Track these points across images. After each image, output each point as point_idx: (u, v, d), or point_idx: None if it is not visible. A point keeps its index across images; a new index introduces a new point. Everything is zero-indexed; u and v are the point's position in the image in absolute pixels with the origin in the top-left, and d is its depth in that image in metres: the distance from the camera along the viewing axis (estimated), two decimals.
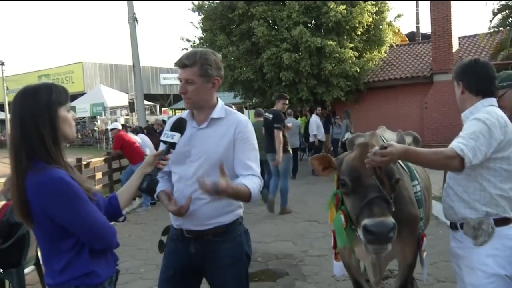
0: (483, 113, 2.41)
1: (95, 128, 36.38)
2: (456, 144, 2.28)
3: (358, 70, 16.90)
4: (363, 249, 2.54)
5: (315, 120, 14.46)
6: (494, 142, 2.34)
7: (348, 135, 13.65)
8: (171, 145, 2.43)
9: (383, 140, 3.18)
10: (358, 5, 16.55)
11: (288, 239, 6.92)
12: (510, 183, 2.42)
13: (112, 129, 10.80)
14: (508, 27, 14.94)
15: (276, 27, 17.20)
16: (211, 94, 2.64)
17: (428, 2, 17.21)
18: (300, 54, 16.39)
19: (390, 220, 2.26)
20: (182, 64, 2.55)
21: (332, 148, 15.31)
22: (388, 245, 2.30)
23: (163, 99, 44.58)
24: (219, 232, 2.59)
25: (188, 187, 2.56)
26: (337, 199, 2.69)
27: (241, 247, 2.67)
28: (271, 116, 8.69)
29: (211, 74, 2.55)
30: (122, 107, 32.31)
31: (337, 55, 16.29)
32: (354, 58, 16.83)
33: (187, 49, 19.26)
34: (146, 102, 22.85)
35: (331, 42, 16.13)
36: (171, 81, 40.70)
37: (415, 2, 27.82)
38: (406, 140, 4.14)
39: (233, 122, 2.62)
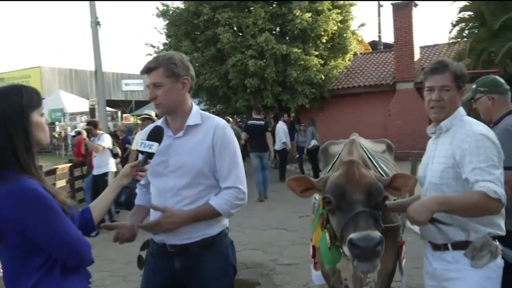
0: (475, 124, 2.34)
1: (55, 135, 35.41)
2: (485, 186, 2.11)
3: (323, 78, 17.01)
4: (347, 262, 2.44)
5: (282, 127, 14.42)
6: (502, 158, 2.28)
7: (314, 142, 13.69)
8: (149, 155, 2.30)
9: (363, 149, 3.12)
10: (324, 13, 16.70)
11: (258, 247, 6.82)
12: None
13: (74, 136, 10.45)
14: (465, 39, 15.37)
15: (241, 34, 17.15)
16: (183, 96, 2.51)
17: (391, 12, 17.55)
18: (265, 61, 16.38)
19: (377, 234, 2.15)
20: (147, 69, 2.45)
21: (297, 155, 15.31)
22: (376, 261, 2.18)
23: (124, 106, 43.84)
24: (206, 244, 2.47)
25: (169, 200, 2.43)
26: (323, 218, 2.59)
27: (228, 260, 2.56)
28: (263, 122, 11.26)
29: (178, 73, 2.43)
30: (82, 113, 31.52)
31: (302, 62, 16.37)
32: (319, 66, 16.95)
33: (151, 55, 19.01)
34: (107, 108, 22.37)
35: (296, 50, 16.20)
36: (133, 87, 40.03)
37: (377, 11, 28.29)
38: (379, 147, 4.13)
39: (210, 128, 2.50)
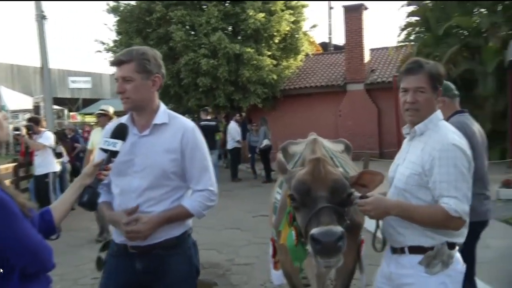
0: (449, 132, 2.27)
1: None
2: (448, 203, 2.11)
3: (275, 78, 17.09)
4: (311, 260, 2.43)
5: (234, 127, 14.39)
6: (472, 170, 2.26)
7: (266, 142, 13.74)
8: (113, 154, 2.20)
9: (324, 148, 3.13)
10: (277, 14, 16.79)
11: (213, 247, 6.74)
12: None
13: (19, 134, 9.99)
14: (412, 43, 15.89)
15: (194, 32, 16.98)
16: (152, 94, 2.44)
17: (342, 14, 17.87)
18: (218, 60, 16.26)
19: (339, 228, 2.13)
20: (118, 61, 2.36)
21: (249, 155, 15.32)
22: (339, 256, 2.16)
23: (71, 104, 42.48)
24: (169, 245, 2.41)
25: (133, 200, 2.36)
26: (290, 217, 2.57)
27: (191, 261, 2.50)
28: (214, 123, 12.73)
29: (150, 70, 2.37)
30: (25, 111, 30.23)
31: (255, 62, 16.37)
32: (272, 66, 17.01)
33: (100, 52, 18.52)
34: (53, 106, 21.58)
35: (249, 49, 16.20)
36: (80, 84, 38.89)
37: (327, 13, 28.74)
38: (338, 147, 4.16)
39: (179, 129, 2.44)
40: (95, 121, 9.48)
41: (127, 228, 2.27)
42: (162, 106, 2.50)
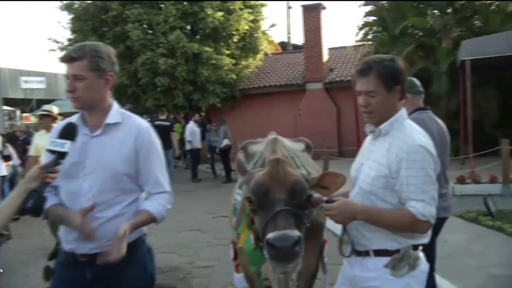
0: (415, 132, 2.20)
1: None
2: (416, 207, 2.07)
3: (234, 77, 17.02)
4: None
5: (190, 127, 14.24)
6: (438, 170, 2.21)
7: (226, 142, 13.64)
8: (61, 155, 2.06)
9: (285, 147, 3.07)
10: (235, 13, 16.71)
11: (172, 250, 6.61)
12: None
13: None
14: (370, 42, 16.16)
15: (152, 31, 16.67)
16: (105, 93, 2.31)
17: (300, 13, 17.98)
18: (176, 59, 16.05)
19: (295, 233, 2.05)
20: (69, 57, 2.21)
21: (209, 155, 15.19)
22: (296, 262, 2.08)
23: (24, 104, 41.11)
24: None
25: (83, 204, 2.20)
26: (249, 219, 2.48)
27: (145, 269, 2.38)
28: (168, 123, 12.76)
29: (103, 68, 2.24)
30: None
31: (214, 61, 16.24)
32: (231, 65, 16.92)
33: (54, 51, 17.96)
34: (4, 107, 20.81)
35: (208, 49, 16.05)
36: (33, 84, 37.63)
37: (286, 12, 28.89)
38: (298, 146, 4.11)
39: (133, 129, 2.32)
40: (38, 122, 9.09)
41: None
42: (115, 105, 2.37)
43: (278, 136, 3.26)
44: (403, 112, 2.28)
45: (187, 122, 15.95)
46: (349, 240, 2.32)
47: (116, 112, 2.34)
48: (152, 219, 2.31)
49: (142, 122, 2.40)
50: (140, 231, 2.38)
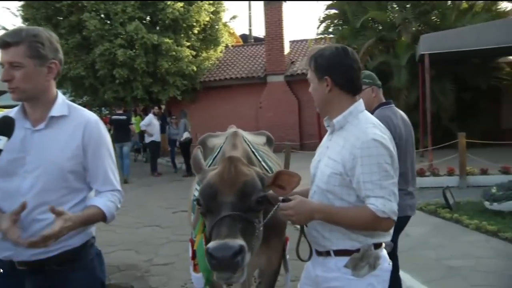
0: (370, 126, 2.09)
1: None
2: (375, 204, 1.98)
3: (195, 69, 16.80)
4: None
5: (149, 119, 13.97)
6: (396, 164, 2.11)
7: (186, 135, 13.44)
8: None
9: (246, 142, 2.95)
10: (196, 4, 16.47)
11: (130, 247, 6.40)
12: None
13: None
14: (331, 35, 16.24)
15: (109, 21, 16.21)
16: (48, 83, 2.09)
17: (261, 5, 17.88)
18: (135, 50, 15.70)
19: (236, 242, 1.90)
20: (3, 42, 1.98)
21: (169, 149, 14.95)
22: (239, 272, 1.95)
23: None
24: (66, 259, 2.08)
25: None
26: (204, 222, 2.35)
27: (94, 275, 2.19)
28: (125, 117, 12.45)
29: (44, 55, 2.02)
30: None
31: (174, 53, 15.98)
32: (191, 57, 16.68)
33: None
34: None
35: (168, 40, 15.77)
36: None
37: (247, 4, 28.75)
38: (259, 140, 4.00)
39: (80, 122, 2.12)
40: None
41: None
42: (60, 96, 2.16)
43: (239, 130, 3.13)
44: (358, 104, 2.17)
45: (146, 115, 15.65)
46: (307, 241, 2.23)
47: (62, 104, 2.13)
48: (101, 217, 2.12)
49: (91, 115, 2.20)
50: (88, 234, 2.19)
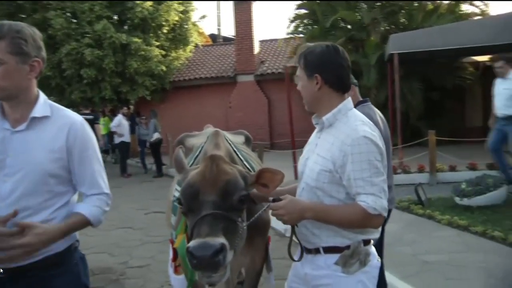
0: (359, 123, 2.10)
1: None
2: (366, 201, 1.98)
3: (164, 69, 16.62)
4: None
5: (118, 119, 13.77)
6: (385, 160, 2.12)
7: (156, 135, 13.30)
8: None
9: (227, 141, 2.93)
10: (165, 3, 16.30)
11: (103, 250, 6.28)
12: None
13: None
14: (301, 35, 16.31)
15: (76, 20, 15.85)
16: (30, 82, 2.01)
17: (231, 5, 17.86)
18: (103, 50, 15.40)
19: (217, 241, 1.88)
20: None
21: (139, 149, 14.76)
22: (221, 271, 1.93)
23: None
24: (50, 264, 2.01)
25: (3, 210, 1.91)
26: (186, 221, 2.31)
27: (79, 280, 2.13)
28: (92, 116, 12.72)
29: (27, 53, 1.94)
30: None
31: (143, 53, 15.77)
32: (160, 57, 16.50)
33: None
34: None
35: (136, 39, 15.55)
36: None
37: (216, 4, 28.66)
38: (238, 139, 3.98)
39: (64, 124, 2.05)
40: None
41: (10, 243, 1.83)
42: (42, 96, 2.08)
43: (209, 128, 3.10)
44: (347, 102, 2.18)
45: (114, 115, 15.40)
46: (298, 240, 2.22)
47: (44, 104, 2.05)
48: (85, 223, 2.07)
49: (75, 116, 2.13)
50: (72, 237, 2.13)
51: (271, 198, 2.10)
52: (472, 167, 8.50)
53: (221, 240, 1.90)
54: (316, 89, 2.15)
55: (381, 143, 2.09)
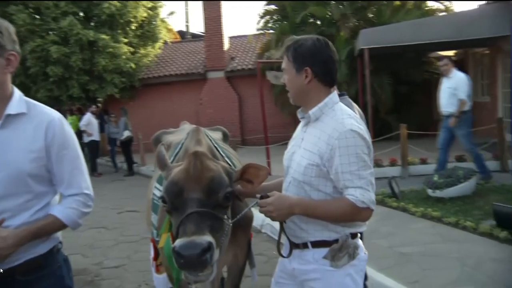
0: (346, 117, 2.08)
1: None
2: (354, 195, 1.97)
3: (133, 66, 16.38)
4: None
5: (87, 118, 13.52)
6: (372, 154, 2.12)
7: (127, 133, 13.12)
8: None
9: (208, 137, 2.89)
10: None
11: (77, 251, 6.14)
12: None
13: None
14: (271, 30, 16.33)
15: (40, 16, 15.44)
16: (5, 77, 1.92)
17: (199, 1, 17.73)
18: (70, 47, 15.06)
19: (204, 239, 1.85)
20: None
21: (109, 148, 14.53)
22: (208, 270, 1.91)
23: None
24: (33, 267, 1.94)
25: None
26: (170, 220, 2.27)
27: (62, 283, 2.06)
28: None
29: (3, 45, 1.85)
30: None
31: (111, 50, 15.50)
32: (129, 54, 16.26)
33: None
34: None
35: (104, 36, 15.26)
36: None
37: (184, 1, 28.42)
38: (216, 136, 3.94)
39: (42, 121, 1.96)
40: None
41: None
42: (17, 93, 1.98)
43: (186, 125, 3.05)
44: (333, 96, 2.16)
45: (82, 114, 15.10)
46: (285, 237, 2.21)
47: (19, 100, 1.96)
48: (59, 226, 1.98)
49: (54, 113, 2.03)
50: (55, 239, 2.05)
51: (258, 195, 2.08)
52: None
53: (208, 238, 1.87)
54: (306, 82, 2.12)
55: (368, 136, 2.09)
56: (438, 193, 6.65)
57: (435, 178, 6.81)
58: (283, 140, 12.98)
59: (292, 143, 2.32)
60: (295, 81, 2.15)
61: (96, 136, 13.53)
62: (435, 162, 8.66)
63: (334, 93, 2.18)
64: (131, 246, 6.27)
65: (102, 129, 14.54)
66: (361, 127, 2.07)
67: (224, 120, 16.72)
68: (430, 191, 6.78)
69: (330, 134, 2.04)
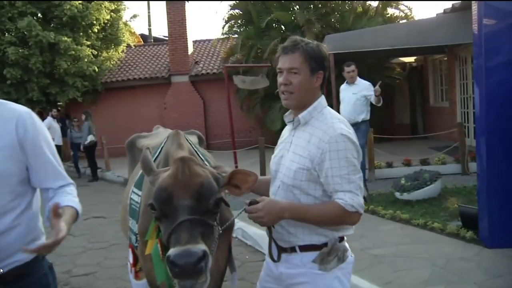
0: (336, 121, 2.10)
1: None
2: (343, 199, 1.99)
3: (96, 70, 16.06)
4: None
5: (48, 122, 13.15)
6: (360, 158, 2.13)
7: (91, 138, 12.84)
8: None
9: (188, 141, 2.87)
10: (95, 1, 15.75)
11: None
12: None
13: None
14: (235, 35, 16.34)
15: None
16: None
17: (161, 5, 17.60)
18: (29, 49, 14.64)
19: (198, 248, 1.83)
20: None
21: (72, 153, 14.17)
22: (203, 277, 1.88)
23: None
24: (17, 275, 1.86)
25: None
26: (157, 226, 2.22)
27: None
28: None
29: None
30: None
31: (73, 52, 15.14)
32: (92, 57, 15.94)
33: None
34: None
35: (66, 38, 14.89)
36: None
37: (146, 4, 28.11)
38: (193, 139, 3.91)
39: (10, 117, 1.85)
40: None
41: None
42: None
43: (160, 129, 3.01)
44: (322, 100, 2.18)
45: (42, 118, 14.68)
46: (273, 241, 2.20)
47: None
48: (76, 216, 1.91)
49: (21, 108, 1.92)
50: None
51: (247, 201, 2.07)
52: (407, 163, 8.90)
53: (202, 247, 1.84)
54: (315, 86, 2.14)
55: (356, 140, 2.12)
56: (406, 196, 6.81)
57: (403, 181, 6.97)
58: (248, 145, 13.06)
59: (279, 147, 2.32)
60: (306, 83, 2.12)
61: (57, 141, 13.10)
62: (401, 166, 8.89)
63: (322, 97, 2.20)
64: (100, 253, 6.13)
65: (63, 133, 14.18)
66: (350, 131, 2.10)
67: (189, 124, 16.60)
68: (398, 194, 6.93)
69: (321, 137, 2.06)
